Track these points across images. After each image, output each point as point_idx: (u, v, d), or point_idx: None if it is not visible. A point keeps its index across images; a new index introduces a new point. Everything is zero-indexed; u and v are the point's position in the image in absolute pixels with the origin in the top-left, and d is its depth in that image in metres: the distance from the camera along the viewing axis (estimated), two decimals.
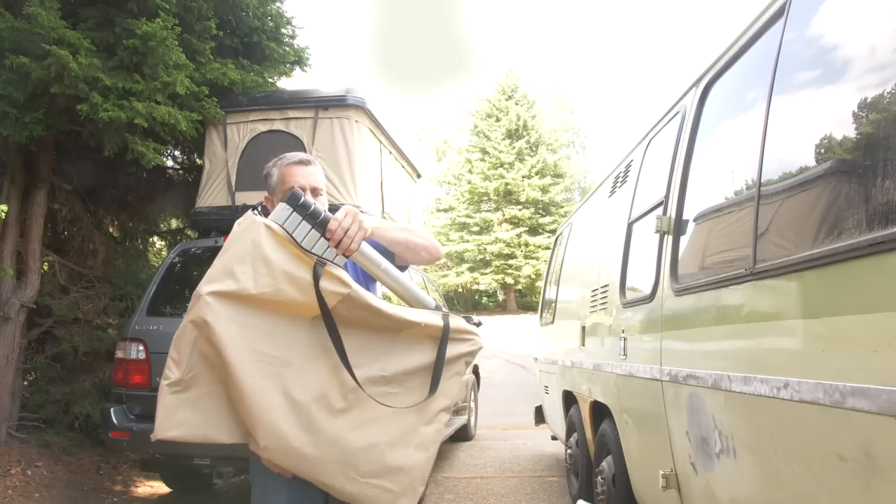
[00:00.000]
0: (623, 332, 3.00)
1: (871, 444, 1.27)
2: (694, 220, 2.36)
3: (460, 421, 6.42)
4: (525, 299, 31.68)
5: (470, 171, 32.09)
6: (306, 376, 1.56)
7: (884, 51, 1.35)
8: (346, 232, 1.57)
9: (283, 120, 4.71)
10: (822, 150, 1.55)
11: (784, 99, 1.77)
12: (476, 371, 7.44)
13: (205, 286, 1.60)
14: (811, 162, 1.59)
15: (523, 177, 30.83)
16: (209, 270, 1.63)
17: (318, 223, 1.57)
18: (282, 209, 1.59)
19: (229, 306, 1.57)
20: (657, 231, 2.55)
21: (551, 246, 6.57)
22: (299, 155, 1.88)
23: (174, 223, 6.77)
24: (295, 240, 1.56)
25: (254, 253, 1.57)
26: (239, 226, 1.61)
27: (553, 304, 5.36)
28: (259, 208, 1.71)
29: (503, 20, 69.24)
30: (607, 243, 3.62)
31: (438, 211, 34.48)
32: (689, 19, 58.90)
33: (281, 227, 1.57)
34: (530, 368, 10.70)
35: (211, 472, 4.01)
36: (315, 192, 1.82)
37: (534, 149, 31.73)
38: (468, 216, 32.10)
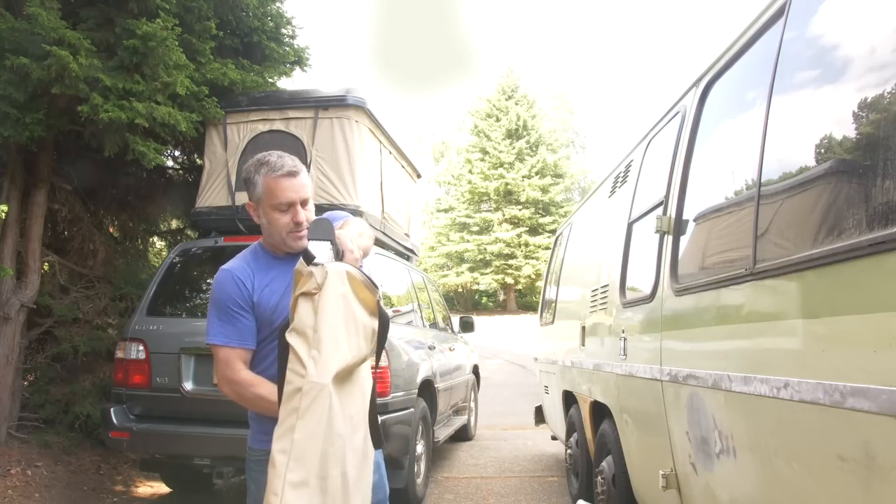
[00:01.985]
0: (623, 332, 3.00)
1: (871, 444, 1.27)
2: (694, 220, 2.36)
3: (460, 421, 6.42)
4: (525, 299, 31.68)
5: (470, 171, 32.10)
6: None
7: (884, 51, 1.35)
8: (356, 258, 1.67)
9: (283, 120, 4.71)
10: (822, 150, 1.55)
11: (784, 99, 1.77)
12: (476, 371, 7.44)
13: (323, 373, 1.52)
14: (811, 162, 1.59)
15: (523, 177, 30.83)
16: (315, 339, 1.53)
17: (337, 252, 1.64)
18: (325, 248, 1.60)
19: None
20: (657, 231, 2.55)
21: (551, 246, 6.57)
22: (285, 164, 1.79)
23: (174, 223, 6.77)
24: (372, 282, 1.62)
25: (345, 311, 1.57)
26: (320, 274, 1.55)
27: (553, 304, 5.36)
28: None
29: (503, 20, 69.23)
30: (607, 243, 3.62)
31: (438, 211, 34.48)
32: (689, 19, 58.89)
33: (359, 270, 1.62)
34: (530, 368, 10.70)
35: (211, 472, 4.00)
36: (304, 203, 1.81)
37: (534, 149, 31.73)
38: (468, 216, 32.10)
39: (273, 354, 1.75)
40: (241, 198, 4.61)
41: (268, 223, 1.82)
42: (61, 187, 5.11)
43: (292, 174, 1.79)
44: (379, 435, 1.71)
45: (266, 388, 1.77)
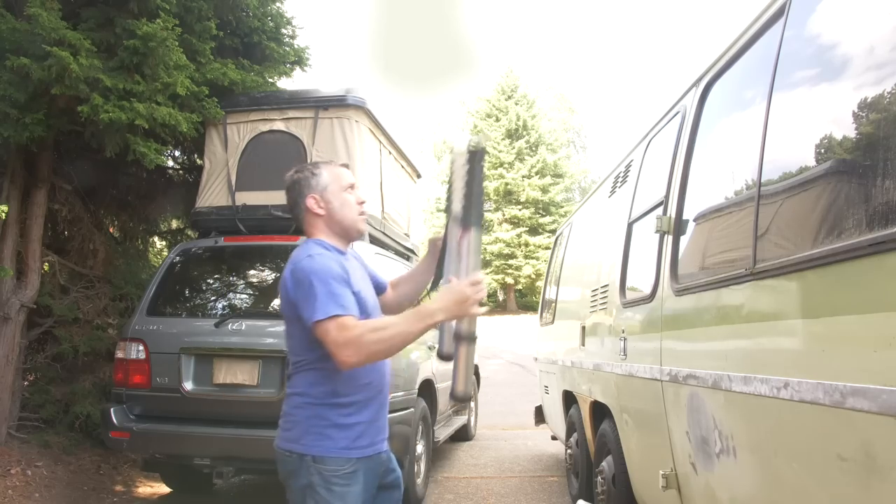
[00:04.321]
0: (623, 332, 3.00)
1: (871, 444, 1.27)
2: (694, 220, 2.36)
3: (460, 421, 6.42)
4: (525, 299, 31.67)
5: None
6: None
7: (883, 50, 1.35)
8: None
9: (283, 120, 4.70)
10: (822, 150, 1.55)
11: (784, 99, 1.77)
12: (476, 371, 7.44)
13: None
14: (811, 162, 1.59)
15: (523, 177, 30.83)
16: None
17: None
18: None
19: None
20: (657, 231, 2.55)
21: (551, 246, 6.57)
22: (333, 162, 2.10)
23: (174, 223, 6.76)
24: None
25: None
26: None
27: (553, 304, 5.36)
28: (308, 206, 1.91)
29: (503, 20, 69.23)
30: (607, 243, 3.62)
31: (438, 211, 34.46)
32: (689, 19, 58.88)
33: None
34: (530, 368, 10.69)
35: (211, 472, 4.01)
36: (353, 186, 1.99)
37: (534, 149, 31.73)
38: None
39: None
40: (241, 198, 4.61)
41: (340, 205, 1.93)
42: (61, 187, 5.11)
43: (346, 165, 2.05)
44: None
45: (392, 317, 1.84)
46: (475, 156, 1.78)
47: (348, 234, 1.96)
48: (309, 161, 4.51)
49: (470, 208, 1.77)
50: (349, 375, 1.78)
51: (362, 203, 1.97)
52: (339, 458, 1.77)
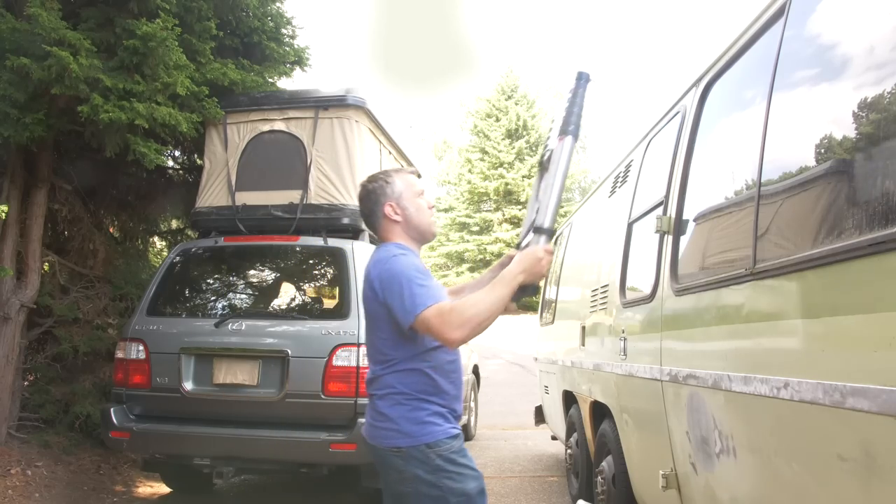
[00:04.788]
0: (623, 332, 3.00)
1: (871, 444, 1.27)
2: (694, 220, 2.36)
3: None
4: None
5: (470, 171, 32.09)
6: None
7: (883, 50, 1.35)
8: None
9: (284, 120, 4.70)
10: (822, 150, 1.55)
11: (784, 99, 1.77)
12: (476, 371, 7.44)
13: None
14: (811, 162, 1.60)
15: (523, 177, 30.82)
16: None
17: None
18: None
19: None
20: (657, 231, 2.55)
21: None
22: (402, 169, 2.23)
23: (174, 223, 6.77)
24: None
25: None
26: None
27: (553, 304, 5.36)
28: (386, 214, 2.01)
29: (503, 20, 69.23)
30: (607, 243, 3.62)
31: (438, 211, 34.47)
32: (689, 19, 58.87)
33: None
34: (530, 368, 10.69)
35: (211, 472, 4.01)
36: (423, 192, 2.11)
37: (534, 149, 31.71)
38: (468, 216, 32.09)
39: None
40: (241, 198, 4.61)
41: (416, 210, 2.05)
42: (61, 187, 5.11)
43: (416, 174, 2.20)
44: None
45: (478, 293, 1.89)
46: (581, 79, 2.10)
47: (424, 237, 2.09)
48: (308, 161, 4.52)
49: (570, 118, 2.06)
50: (437, 368, 1.91)
51: (432, 207, 2.12)
52: (447, 438, 1.88)
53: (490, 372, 12.27)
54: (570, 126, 2.07)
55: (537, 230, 2.01)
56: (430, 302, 1.81)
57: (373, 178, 2.08)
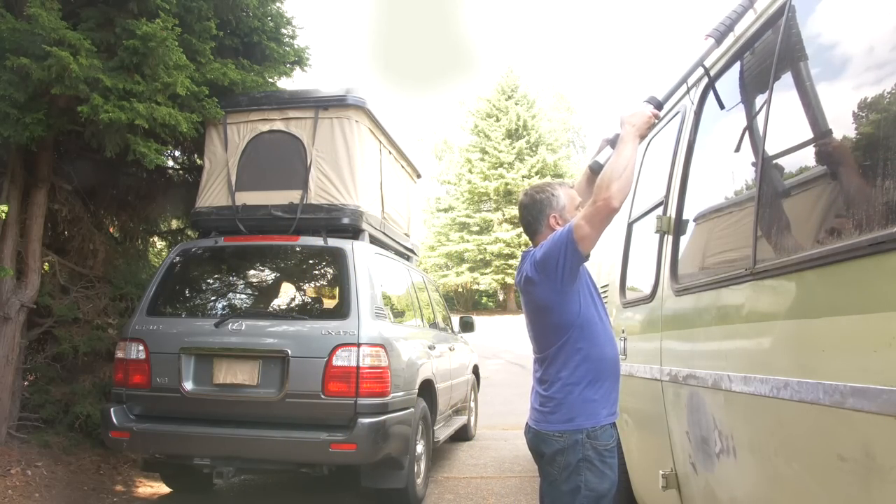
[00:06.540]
0: (623, 332, 3.00)
1: (871, 444, 1.27)
2: (694, 220, 2.36)
3: (460, 421, 6.42)
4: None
5: (470, 171, 32.11)
6: None
7: (883, 50, 1.35)
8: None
9: (284, 120, 4.70)
10: (822, 150, 1.55)
11: (784, 99, 1.77)
12: (476, 371, 7.44)
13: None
14: (811, 162, 1.59)
15: (523, 177, 30.85)
16: None
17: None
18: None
19: None
20: (657, 231, 2.56)
21: None
22: (564, 183, 2.29)
23: (174, 223, 6.76)
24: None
25: None
26: None
27: None
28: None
29: (503, 20, 69.23)
30: (607, 243, 3.61)
31: (438, 211, 34.48)
32: (688, 19, 58.82)
33: None
34: (530, 368, 10.68)
35: (211, 472, 4.00)
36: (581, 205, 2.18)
37: (534, 149, 31.76)
38: (468, 216, 32.11)
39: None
40: (241, 198, 4.61)
41: None
42: (61, 187, 5.11)
43: (572, 186, 2.27)
44: None
45: (609, 162, 1.99)
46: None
47: None
48: (308, 161, 4.52)
49: (722, 24, 2.13)
50: (598, 356, 2.02)
51: None
52: (607, 427, 2.00)
53: (490, 372, 12.27)
54: (717, 31, 2.15)
55: (649, 100, 2.08)
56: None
57: (539, 189, 2.18)
